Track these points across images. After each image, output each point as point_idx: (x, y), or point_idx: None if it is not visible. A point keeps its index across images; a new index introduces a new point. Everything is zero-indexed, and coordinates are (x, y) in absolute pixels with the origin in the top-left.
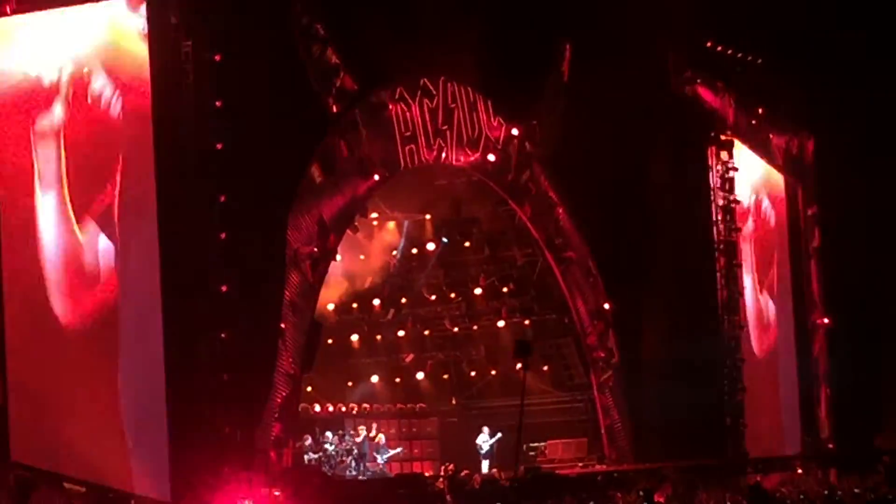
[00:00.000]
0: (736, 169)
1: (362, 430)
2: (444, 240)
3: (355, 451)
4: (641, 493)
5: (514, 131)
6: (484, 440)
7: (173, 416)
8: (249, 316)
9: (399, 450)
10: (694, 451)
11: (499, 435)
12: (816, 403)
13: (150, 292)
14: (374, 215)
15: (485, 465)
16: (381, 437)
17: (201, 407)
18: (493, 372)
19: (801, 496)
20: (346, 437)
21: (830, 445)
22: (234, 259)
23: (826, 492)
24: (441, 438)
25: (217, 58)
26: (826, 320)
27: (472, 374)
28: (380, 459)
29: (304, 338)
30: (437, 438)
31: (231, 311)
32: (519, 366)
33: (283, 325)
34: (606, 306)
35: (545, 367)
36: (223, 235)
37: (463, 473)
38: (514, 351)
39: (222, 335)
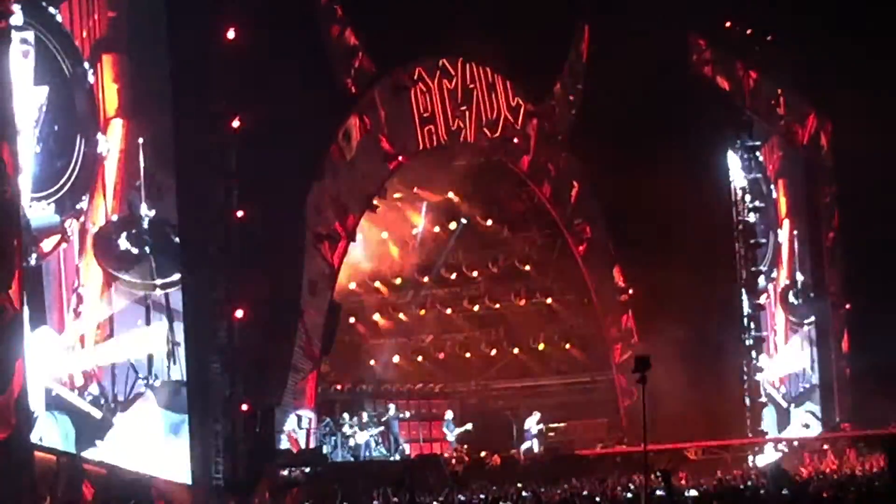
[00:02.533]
0: (756, 148)
1: (391, 407)
2: (464, 220)
3: (372, 430)
4: (660, 473)
5: (532, 112)
6: (532, 423)
7: (193, 397)
8: (268, 296)
9: (469, 426)
10: (713, 431)
11: (537, 415)
12: (837, 384)
13: None
14: (395, 196)
15: (534, 446)
16: (450, 413)
17: (221, 388)
18: (515, 351)
19: (821, 476)
20: (366, 419)
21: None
22: (252, 239)
23: (847, 472)
24: (461, 419)
25: (232, 35)
26: (847, 302)
27: (493, 353)
28: (450, 436)
29: (324, 318)
30: (455, 419)
31: (249, 291)
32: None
33: (302, 307)
34: (625, 286)
35: (566, 346)
36: (240, 214)
37: (483, 454)
38: (634, 366)
39: (240, 315)
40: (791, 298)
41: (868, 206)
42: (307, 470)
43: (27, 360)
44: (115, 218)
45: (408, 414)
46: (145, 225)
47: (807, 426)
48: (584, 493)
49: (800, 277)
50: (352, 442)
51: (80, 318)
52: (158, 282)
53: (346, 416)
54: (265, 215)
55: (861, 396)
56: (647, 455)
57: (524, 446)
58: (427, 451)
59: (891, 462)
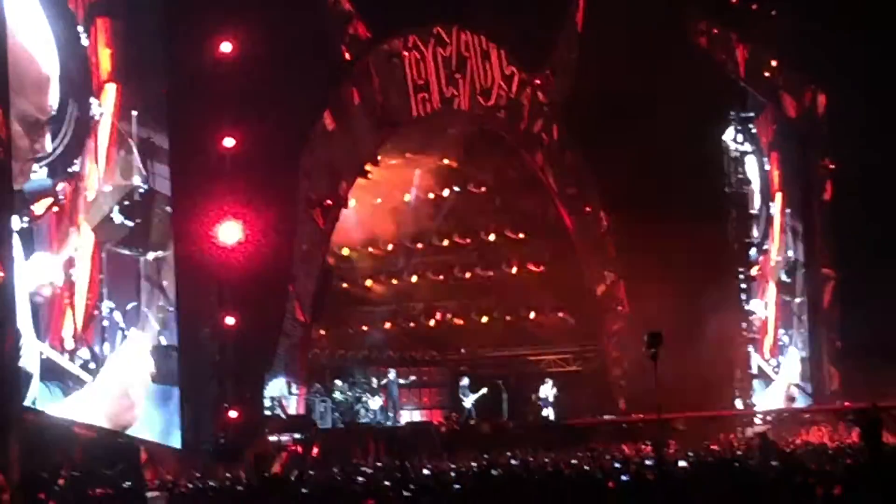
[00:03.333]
0: (749, 120)
1: (391, 372)
2: (457, 188)
3: (367, 397)
4: (650, 443)
5: (526, 80)
6: (547, 390)
7: (185, 362)
8: (260, 262)
9: (484, 390)
10: (703, 402)
11: (549, 382)
12: (827, 355)
13: None
14: (388, 163)
15: (550, 413)
16: (465, 380)
17: (212, 352)
18: (508, 318)
19: (810, 448)
20: (357, 385)
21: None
22: (246, 205)
23: (836, 444)
24: (449, 388)
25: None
26: (838, 274)
27: (484, 321)
28: (466, 402)
29: (315, 285)
30: (447, 387)
31: (242, 256)
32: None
33: (293, 272)
34: (617, 256)
35: (559, 315)
36: (234, 181)
37: (472, 422)
38: (647, 342)
39: (231, 282)
40: (783, 276)
41: (861, 178)
42: (297, 435)
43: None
44: (107, 189)
45: (411, 378)
46: (138, 197)
47: (792, 399)
48: (573, 461)
49: (790, 253)
50: (370, 404)
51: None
52: (150, 255)
53: (337, 382)
54: (258, 181)
55: (850, 369)
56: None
57: (544, 412)
58: (417, 419)
59: (865, 437)
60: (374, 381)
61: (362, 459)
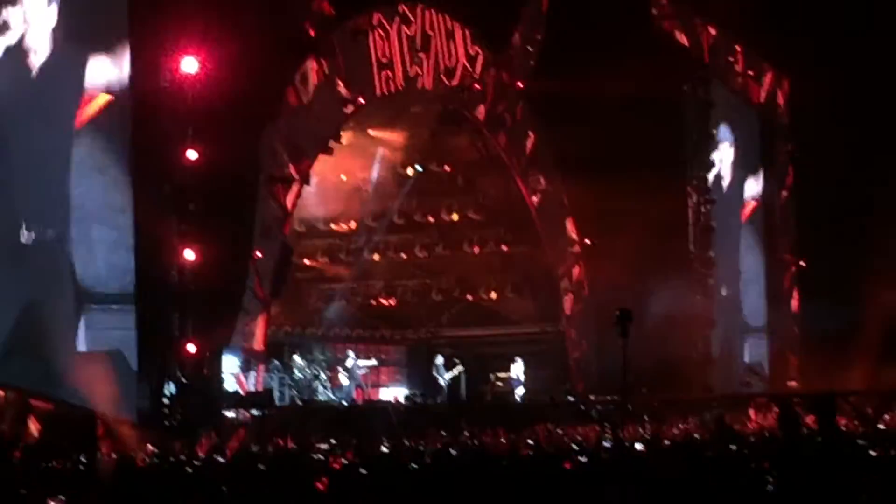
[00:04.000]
0: (712, 105)
1: (350, 353)
2: (419, 167)
3: (326, 374)
4: (607, 425)
5: (491, 60)
6: (518, 370)
7: (142, 336)
8: (221, 238)
9: (460, 369)
10: (662, 385)
11: (520, 361)
12: (785, 340)
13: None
14: (350, 140)
15: (520, 392)
16: (440, 358)
17: (170, 328)
18: (469, 298)
19: (767, 434)
20: (315, 362)
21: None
22: (206, 180)
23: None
24: (407, 367)
25: None
26: (799, 261)
27: (443, 301)
28: (441, 381)
29: (275, 261)
30: (404, 366)
31: (202, 232)
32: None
33: (254, 249)
34: (578, 238)
35: (518, 296)
36: (195, 156)
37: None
38: (616, 319)
39: (192, 256)
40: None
41: (823, 165)
42: (254, 412)
43: None
44: None
45: (370, 357)
46: None
47: (748, 383)
48: (530, 441)
49: (751, 237)
50: (342, 382)
51: None
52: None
53: (295, 358)
54: (220, 156)
55: (808, 355)
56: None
57: (520, 392)
58: (374, 398)
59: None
60: (333, 358)
61: (319, 437)
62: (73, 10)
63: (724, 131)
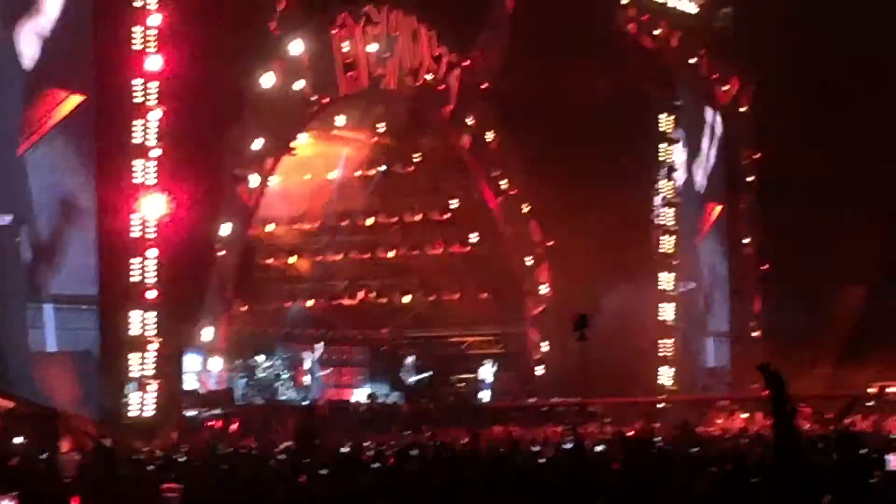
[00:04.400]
0: (677, 107)
1: (318, 348)
2: (383, 168)
3: (288, 373)
4: (568, 425)
5: (455, 62)
6: (487, 372)
7: (105, 335)
8: (184, 236)
9: (430, 373)
10: (622, 386)
11: (488, 363)
12: (748, 343)
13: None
14: (315, 140)
15: (486, 395)
16: (410, 359)
17: (134, 327)
18: (432, 299)
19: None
20: (278, 361)
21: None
22: (170, 178)
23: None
24: (370, 367)
25: None
26: (762, 264)
27: (408, 301)
28: (409, 381)
29: (238, 260)
30: (366, 366)
31: (165, 230)
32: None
33: (217, 247)
34: (540, 240)
35: (482, 296)
36: (160, 152)
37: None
38: (574, 324)
39: (155, 254)
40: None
41: (787, 169)
42: (216, 410)
43: None
44: None
45: (333, 356)
46: None
47: (707, 384)
48: (491, 442)
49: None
50: (304, 382)
51: None
52: None
53: (258, 358)
54: (184, 155)
55: (770, 357)
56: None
57: (480, 395)
58: (336, 397)
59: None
60: (295, 358)
61: (281, 436)
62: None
63: (688, 134)
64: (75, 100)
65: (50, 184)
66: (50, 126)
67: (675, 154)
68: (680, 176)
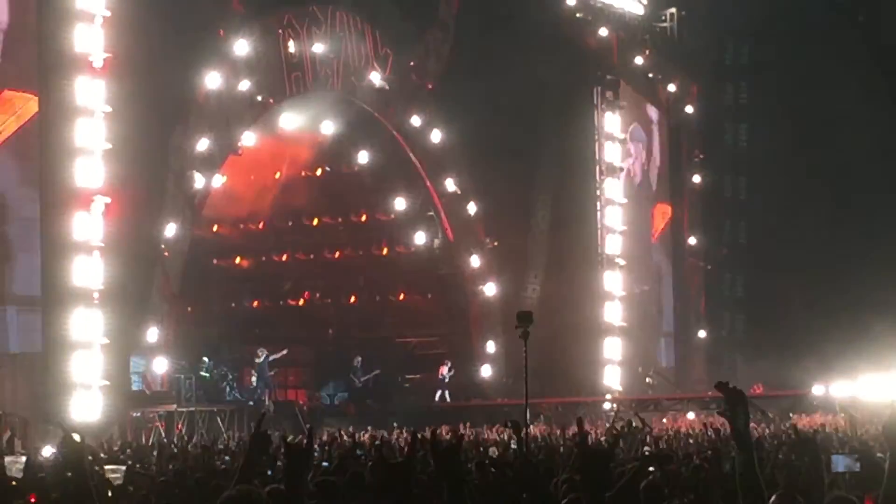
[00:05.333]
0: (621, 107)
1: (261, 352)
2: (328, 168)
3: (234, 374)
4: (510, 425)
5: (401, 62)
6: (445, 372)
7: (49, 335)
8: (129, 237)
9: (376, 372)
10: (568, 387)
11: (448, 364)
12: (692, 344)
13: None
14: (260, 141)
15: (446, 395)
16: (358, 359)
17: (78, 328)
18: (377, 299)
19: (673, 435)
20: (223, 363)
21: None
22: (115, 178)
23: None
24: (315, 367)
25: None
26: (706, 265)
27: (353, 302)
28: (357, 383)
29: (184, 261)
30: (311, 366)
31: (108, 231)
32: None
33: (162, 248)
34: (486, 239)
35: (428, 297)
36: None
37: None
38: (517, 321)
39: (99, 254)
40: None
41: (729, 167)
42: (161, 411)
43: None
44: None
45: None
46: None
47: (650, 384)
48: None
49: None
50: (250, 383)
51: None
52: None
53: (204, 359)
54: (129, 155)
55: (714, 358)
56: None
57: (438, 394)
58: (283, 398)
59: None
60: (241, 358)
61: (226, 437)
62: None
63: (633, 132)
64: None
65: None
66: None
67: (621, 154)
68: (626, 176)
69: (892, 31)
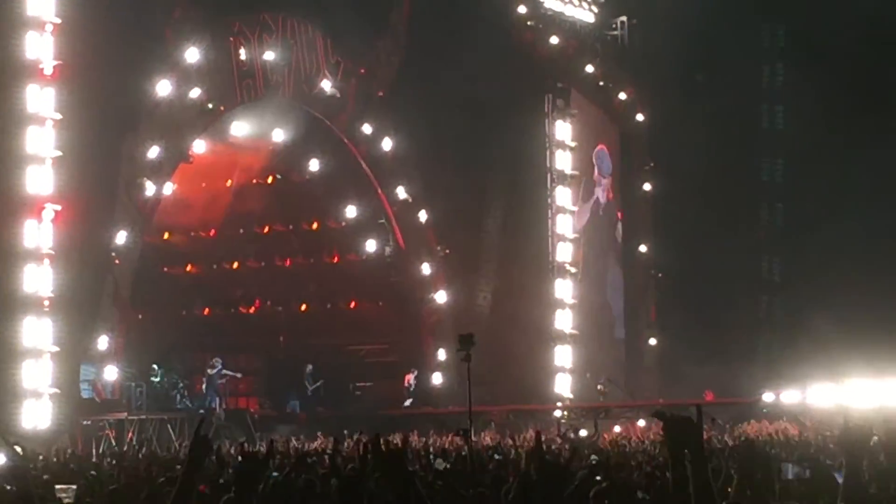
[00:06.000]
0: (572, 116)
1: (217, 363)
2: (279, 175)
3: (184, 382)
4: (461, 432)
5: (352, 70)
6: (413, 382)
7: None
8: (79, 244)
9: (320, 382)
10: (519, 395)
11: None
12: (644, 352)
13: None
14: (212, 148)
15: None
16: (310, 367)
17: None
18: (328, 307)
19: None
20: (173, 370)
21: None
22: (65, 186)
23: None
24: (266, 375)
25: None
26: (657, 273)
27: (304, 310)
28: (308, 390)
29: (134, 268)
30: (262, 374)
31: (62, 238)
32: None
33: (113, 256)
34: (437, 247)
35: (379, 304)
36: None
37: (288, 410)
38: (458, 343)
39: (50, 265)
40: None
41: (680, 177)
42: (112, 419)
43: None
44: None
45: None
46: None
47: (602, 392)
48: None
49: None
50: (200, 390)
51: None
52: None
53: (154, 366)
54: (79, 163)
55: (665, 366)
56: (471, 422)
57: (406, 403)
58: (234, 405)
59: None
60: (192, 366)
61: (178, 445)
62: None
63: (585, 141)
64: None
65: None
66: None
67: (573, 162)
68: (578, 185)
69: None
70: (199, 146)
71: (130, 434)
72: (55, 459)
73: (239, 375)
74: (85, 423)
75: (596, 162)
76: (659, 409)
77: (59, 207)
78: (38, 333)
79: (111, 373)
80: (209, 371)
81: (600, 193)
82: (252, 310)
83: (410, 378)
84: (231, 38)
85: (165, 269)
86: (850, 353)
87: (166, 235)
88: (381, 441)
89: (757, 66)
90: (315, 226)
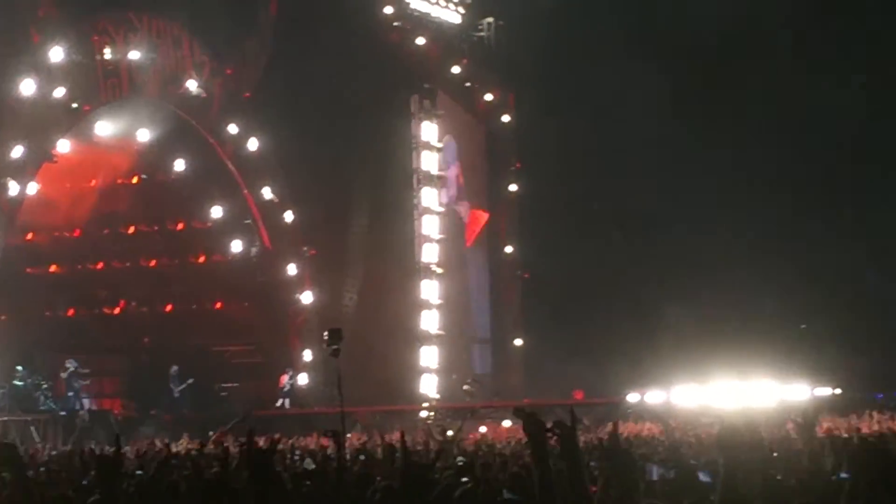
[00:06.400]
0: (438, 116)
1: (70, 364)
2: (144, 175)
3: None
4: (331, 434)
5: (218, 70)
6: (286, 381)
7: None
8: None
9: (190, 380)
10: (386, 395)
11: (290, 372)
12: (510, 351)
13: None
14: (76, 147)
15: (286, 403)
16: (175, 368)
17: None
18: (194, 308)
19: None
20: (37, 371)
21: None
22: None
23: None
24: (130, 376)
25: None
26: (523, 273)
27: (170, 310)
28: (175, 392)
29: None
30: (127, 375)
31: None
32: (332, 350)
33: None
34: (303, 247)
35: (245, 305)
36: None
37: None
38: (327, 338)
39: None
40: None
41: (546, 178)
42: None
43: None
44: None
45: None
46: None
47: (469, 392)
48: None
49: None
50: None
51: None
52: None
53: (17, 368)
54: None
55: (532, 366)
56: (343, 421)
57: (278, 404)
58: (97, 407)
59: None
60: (55, 367)
61: (40, 447)
62: None
63: (450, 142)
64: None
65: None
66: None
67: (438, 163)
68: (444, 185)
69: None
70: (64, 146)
71: None
72: None
73: (88, 376)
74: None
75: (445, 153)
76: (518, 406)
77: None
78: None
79: None
80: (62, 374)
81: (452, 179)
82: (117, 310)
83: (285, 379)
84: (95, 37)
85: (29, 269)
86: (714, 354)
87: (30, 236)
88: (250, 442)
89: None
90: (180, 226)
